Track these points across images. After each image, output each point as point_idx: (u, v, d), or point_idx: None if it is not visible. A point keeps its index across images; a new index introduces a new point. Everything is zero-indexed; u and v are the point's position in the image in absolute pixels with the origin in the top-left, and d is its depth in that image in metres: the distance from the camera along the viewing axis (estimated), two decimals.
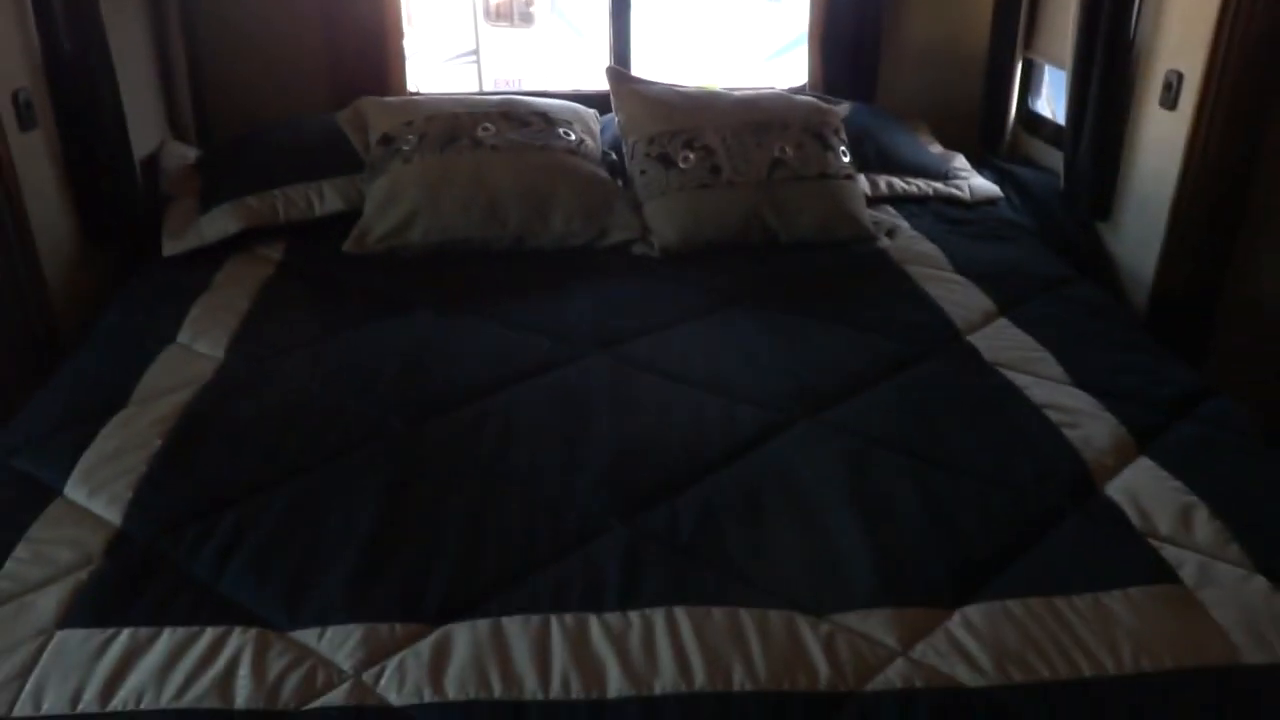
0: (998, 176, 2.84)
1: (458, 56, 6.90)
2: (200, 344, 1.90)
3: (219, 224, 2.33)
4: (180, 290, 2.12)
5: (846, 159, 2.47)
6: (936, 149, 2.89)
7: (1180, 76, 2.23)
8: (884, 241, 2.39)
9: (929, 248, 2.36)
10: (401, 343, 1.90)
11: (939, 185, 2.72)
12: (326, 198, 2.42)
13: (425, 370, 1.79)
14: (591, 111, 2.67)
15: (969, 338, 1.93)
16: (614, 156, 2.56)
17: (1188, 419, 1.66)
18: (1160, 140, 2.32)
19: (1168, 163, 2.27)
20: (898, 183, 2.69)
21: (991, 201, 2.69)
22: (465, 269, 2.23)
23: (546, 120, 2.48)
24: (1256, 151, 2.18)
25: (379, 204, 2.30)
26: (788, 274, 2.22)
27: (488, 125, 2.42)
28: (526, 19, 7.10)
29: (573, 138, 2.47)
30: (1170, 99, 2.27)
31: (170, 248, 2.29)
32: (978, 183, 2.75)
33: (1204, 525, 1.38)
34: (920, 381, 1.78)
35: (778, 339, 1.91)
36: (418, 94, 3.01)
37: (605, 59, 3.12)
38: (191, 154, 2.76)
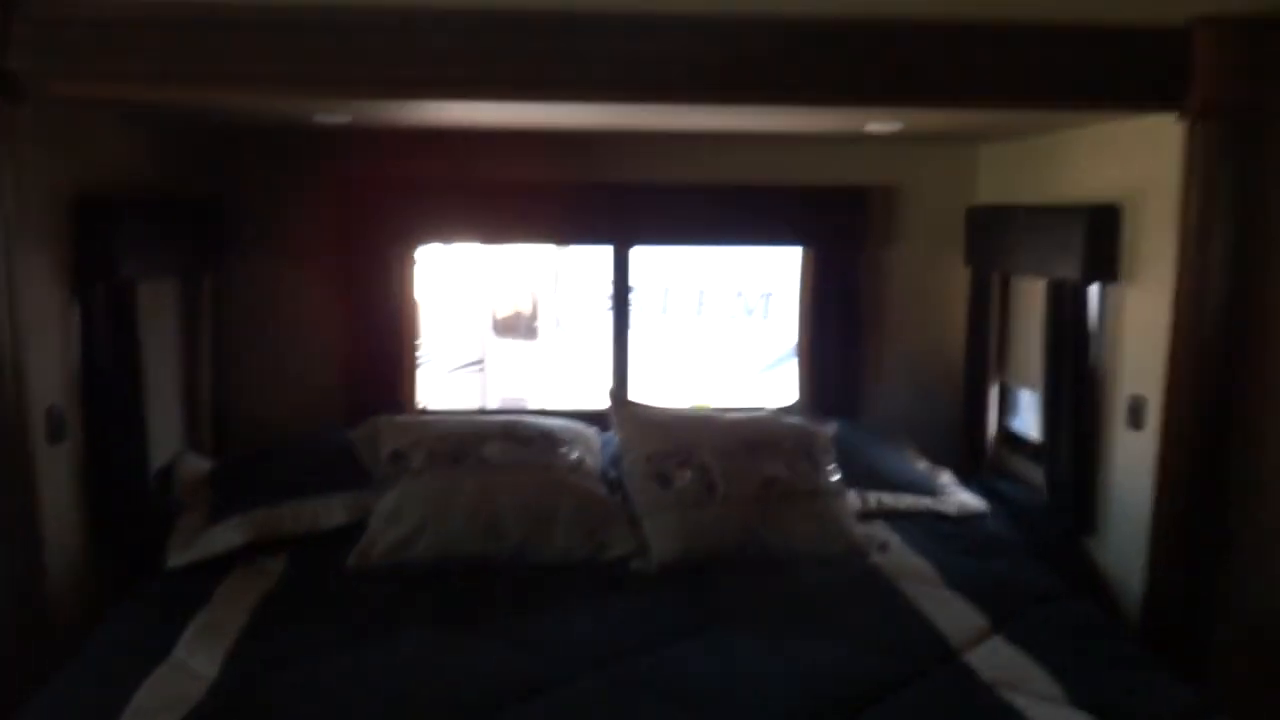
0: (983, 491, 2.94)
1: (465, 365, 7.29)
2: (195, 660, 1.90)
3: (226, 537, 2.39)
4: (180, 602, 2.14)
5: (836, 476, 2.58)
6: (922, 465, 3.01)
7: (1144, 400, 2.39)
8: (876, 557, 2.44)
9: (920, 562, 2.41)
10: (398, 662, 1.90)
11: (927, 500, 2.81)
12: (333, 512, 2.50)
13: (419, 695, 1.78)
14: (592, 430, 2.82)
15: (964, 657, 1.94)
16: (613, 474, 2.67)
17: None
18: (1132, 458, 2.44)
19: (1141, 479, 2.38)
20: (887, 498, 2.78)
21: (979, 516, 2.77)
22: (466, 585, 2.26)
23: (548, 439, 2.63)
24: (1223, 461, 2.28)
25: (386, 518, 2.38)
26: (783, 590, 2.25)
27: (493, 444, 2.55)
28: (531, 333, 7.55)
29: (573, 456, 2.60)
30: (1136, 420, 2.42)
31: (175, 559, 2.34)
32: (964, 497, 2.85)
33: None
34: (919, 703, 1.77)
35: (776, 658, 1.92)
36: (428, 413, 3.19)
37: (607, 373, 3.33)
38: (206, 465, 2.87)
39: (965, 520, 2.74)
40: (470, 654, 1.93)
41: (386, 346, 3.14)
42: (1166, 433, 2.29)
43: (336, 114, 2.61)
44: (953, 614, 2.12)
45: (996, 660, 1.92)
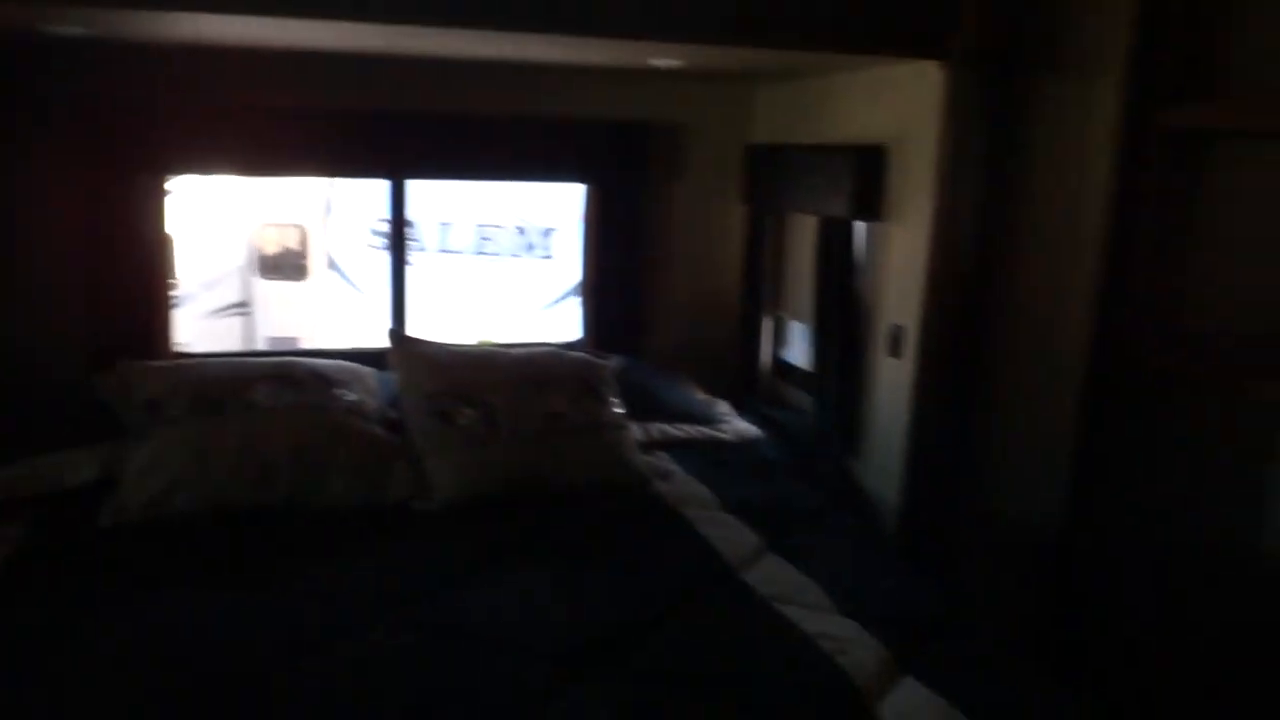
0: (758, 419, 3.08)
1: (227, 308, 6.83)
2: None
3: None
4: None
5: (619, 410, 2.61)
6: (701, 396, 3.11)
7: (903, 329, 2.57)
8: (658, 486, 2.50)
9: (700, 489, 2.50)
10: (165, 624, 1.76)
11: (706, 429, 2.90)
12: (80, 468, 2.28)
13: (193, 658, 1.66)
14: (369, 370, 2.71)
15: (742, 575, 2.03)
16: (394, 414, 2.58)
17: (942, 637, 1.80)
18: (892, 384, 2.63)
19: (899, 403, 2.57)
20: (668, 429, 2.85)
21: (754, 442, 2.90)
22: (237, 537, 2.13)
23: (322, 381, 2.50)
24: (971, 384, 2.50)
25: (141, 470, 2.19)
26: (569, 523, 2.27)
27: (260, 388, 2.40)
28: (300, 272, 7.15)
29: (350, 398, 2.49)
30: (896, 349, 2.59)
31: None
32: (741, 425, 2.97)
33: None
34: (699, 621, 1.83)
35: (564, 590, 1.93)
36: (187, 356, 2.96)
37: (384, 313, 3.21)
38: None
39: (742, 447, 2.86)
40: (247, 610, 1.82)
41: (135, 285, 2.86)
42: (922, 360, 2.47)
43: (67, 25, 2.32)
44: (731, 536, 2.22)
45: (772, 576, 2.03)
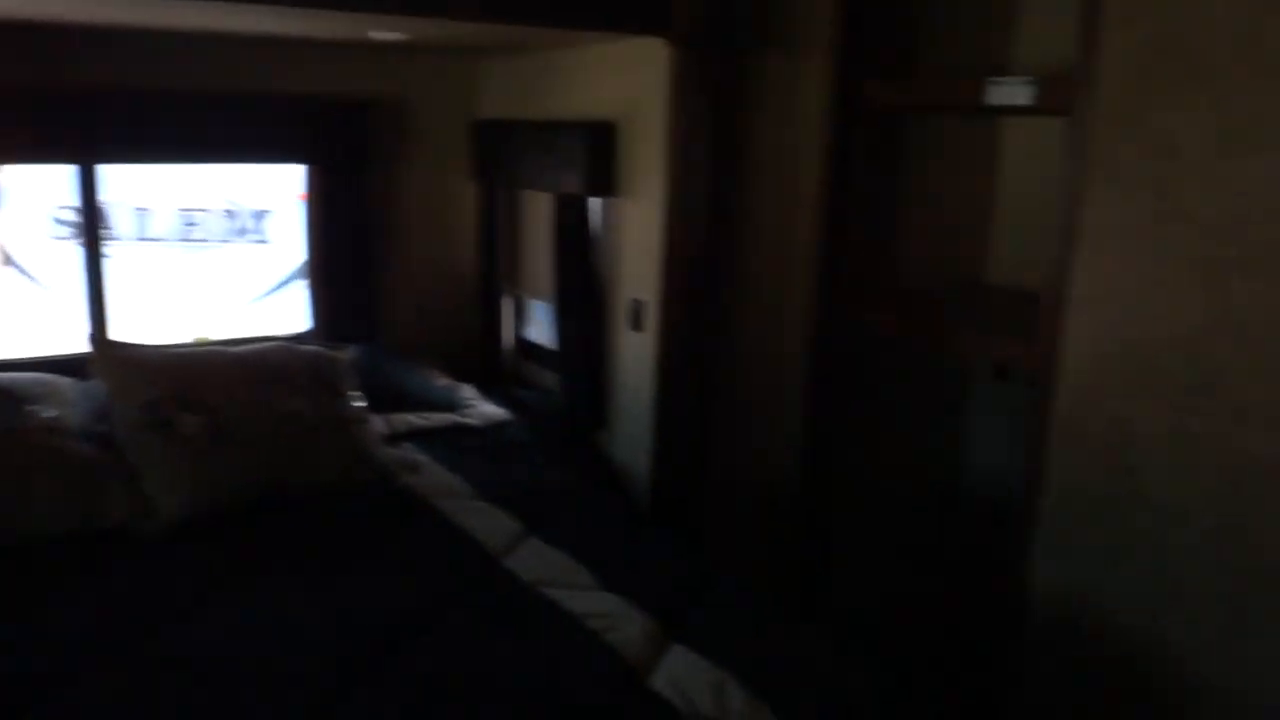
0: (505, 401, 3.04)
1: None
2: None
3: None
4: None
5: (360, 403, 2.49)
6: (444, 382, 3.03)
7: (643, 304, 2.62)
8: (408, 479, 2.41)
9: (452, 478, 2.43)
10: None
11: (452, 416, 2.83)
12: None
13: None
14: (67, 380, 2.41)
15: (505, 562, 2.00)
16: (103, 428, 2.31)
17: (705, 603, 1.87)
18: (636, 357, 2.68)
19: (644, 376, 2.62)
20: (413, 418, 2.76)
21: (502, 425, 2.86)
22: None
23: (9, 398, 2.19)
24: (711, 352, 2.60)
25: None
26: (316, 529, 2.14)
27: None
28: None
29: (47, 414, 2.20)
30: (637, 322, 2.64)
31: None
32: (488, 409, 2.92)
33: (737, 697, 1.55)
34: (466, 616, 1.79)
35: (316, 606, 1.81)
36: None
37: (80, 314, 2.85)
38: None
39: (490, 431, 2.82)
40: None
41: None
42: (663, 333, 2.54)
43: None
44: (489, 524, 2.17)
45: (534, 560, 2.01)
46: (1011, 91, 2.21)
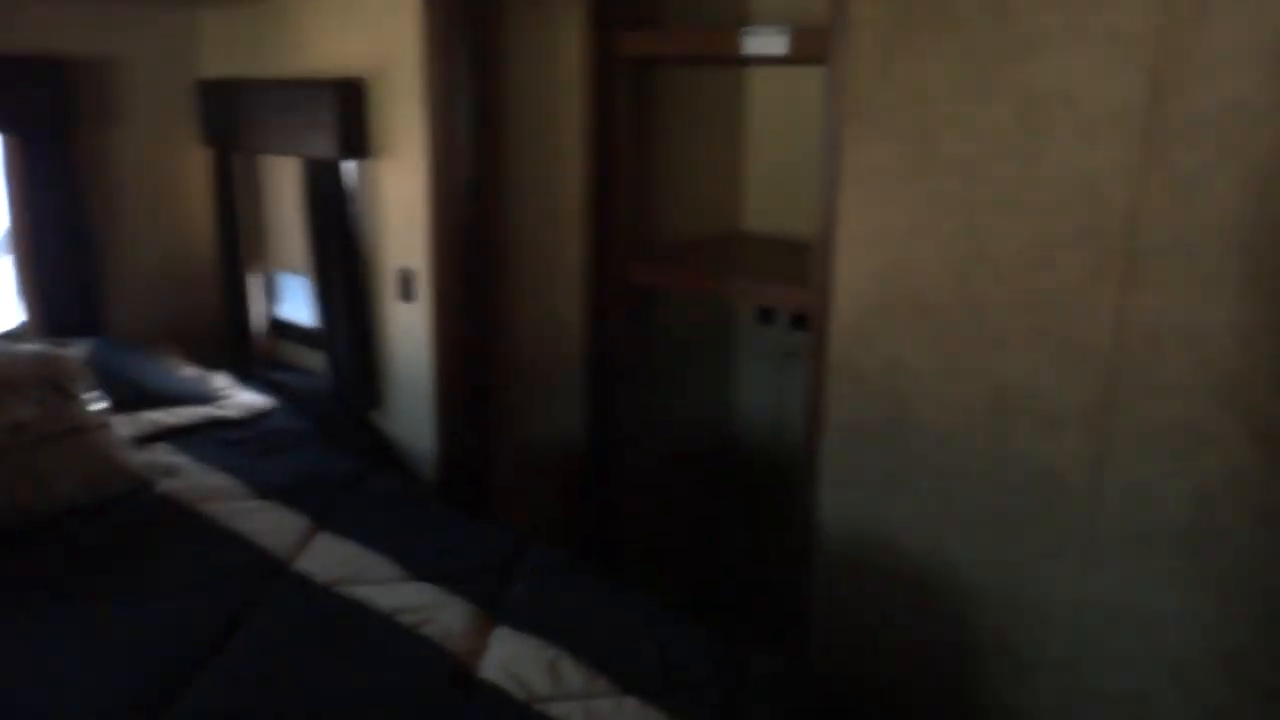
0: (266, 387, 2.80)
1: None
2: None
3: None
4: None
5: (99, 405, 2.20)
6: (193, 372, 2.74)
7: (412, 273, 2.47)
8: (167, 485, 2.16)
9: (219, 479, 2.21)
10: None
11: (207, 409, 2.57)
12: None
13: None
14: None
15: (296, 565, 1.84)
16: None
17: (519, 576, 1.80)
18: (408, 329, 2.53)
19: (418, 349, 2.49)
20: (161, 416, 2.47)
21: (266, 414, 2.63)
22: None
23: None
24: (489, 317, 2.50)
25: None
26: (68, 555, 1.87)
27: None
28: None
29: None
30: (407, 293, 2.50)
31: None
32: (247, 398, 2.68)
33: (573, 672, 1.51)
34: (262, 635, 1.62)
35: (80, 641, 1.58)
36: None
37: None
38: None
39: (254, 422, 2.58)
40: None
41: None
42: (438, 303, 2.41)
43: None
44: (270, 525, 1.99)
45: (329, 558, 1.86)
46: (767, 41, 2.26)
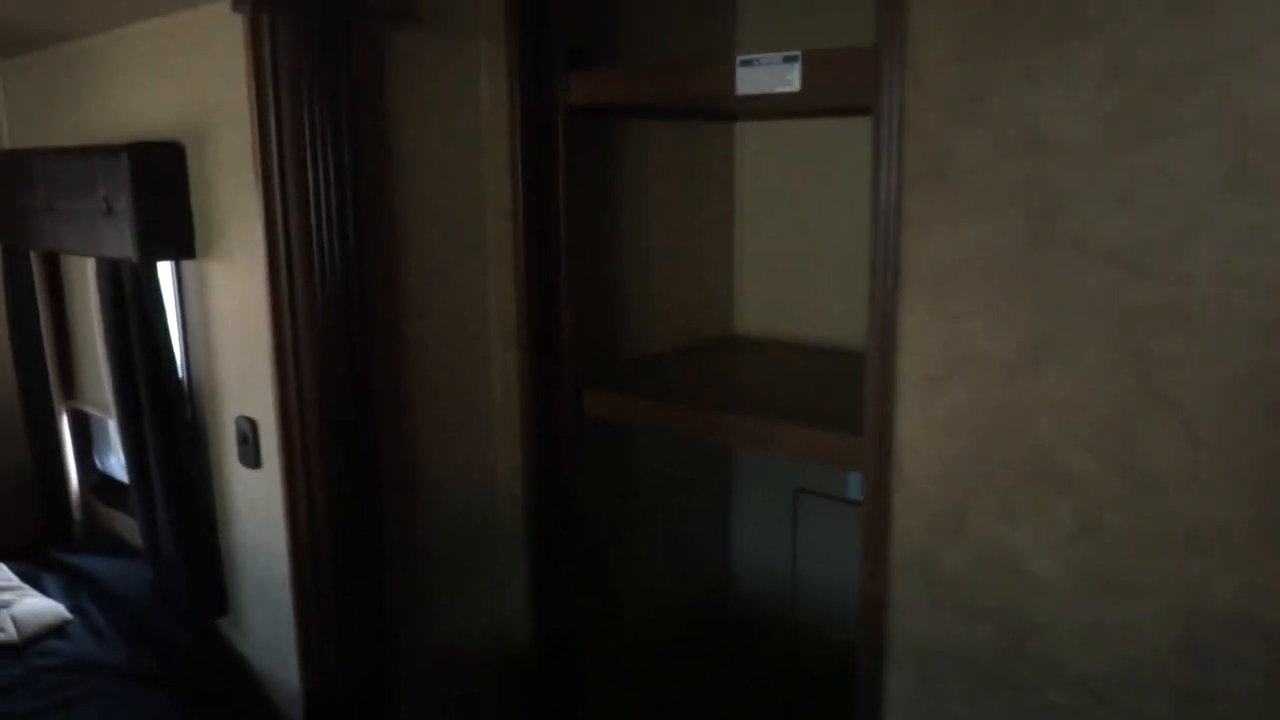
0: (67, 580, 1.97)
1: None
2: None
3: None
4: None
5: None
6: None
7: (254, 424, 1.67)
8: None
9: None
10: None
11: None
12: None
13: None
14: None
15: None
16: None
17: None
18: (256, 505, 1.72)
19: (273, 532, 1.68)
20: None
21: (58, 631, 1.80)
22: None
23: None
24: (368, 492, 1.69)
25: None
26: None
27: None
28: None
29: None
30: (250, 455, 1.69)
31: None
32: (32, 606, 1.84)
33: None
34: None
35: None
36: None
37: None
38: None
39: (40, 646, 1.75)
40: None
41: None
42: (289, 467, 1.60)
43: None
44: None
45: None
46: (773, 73, 1.52)
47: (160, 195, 1.64)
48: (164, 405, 1.74)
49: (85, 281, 2.08)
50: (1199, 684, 1.16)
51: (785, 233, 2.13)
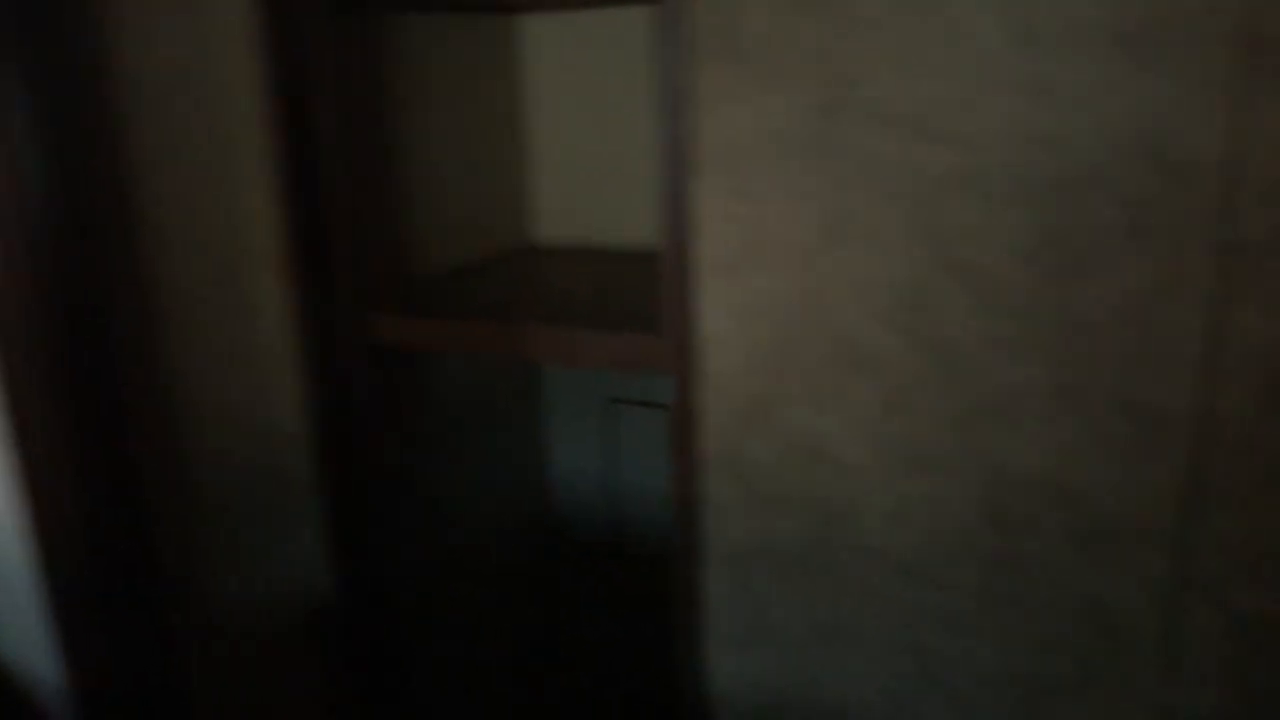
0: None
1: None
2: None
3: None
4: None
5: None
6: None
7: None
8: None
9: None
10: None
11: None
12: None
13: None
14: None
15: None
16: None
17: None
18: None
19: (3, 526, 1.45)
20: None
21: None
22: None
23: None
24: (133, 444, 1.48)
25: None
26: None
27: None
28: None
29: None
30: None
31: None
32: None
33: None
34: None
35: None
36: None
37: None
38: None
39: None
40: None
41: None
42: (18, 432, 1.38)
43: None
44: None
45: None
46: None
47: None
48: None
49: None
50: (1004, 550, 1.17)
51: (581, 134, 2.02)
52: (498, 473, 2.14)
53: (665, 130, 1.22)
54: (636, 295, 1.63)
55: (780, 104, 1.13)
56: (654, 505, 2.12)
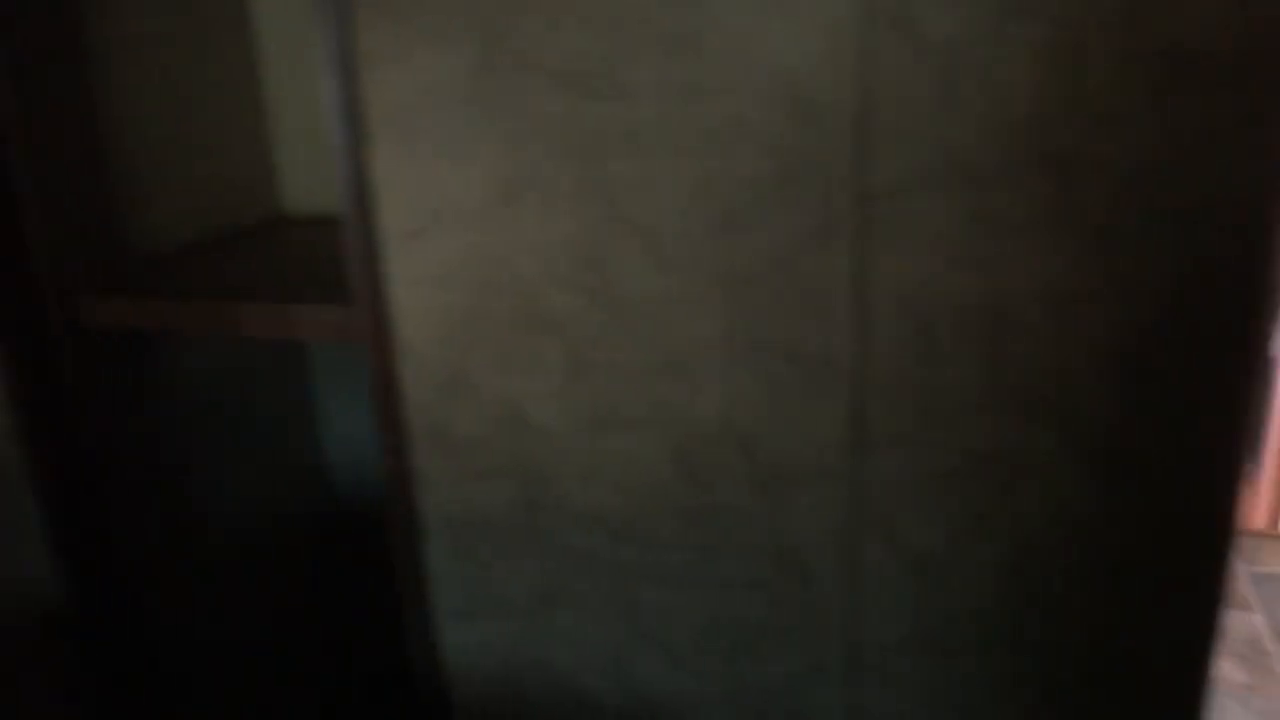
0: None
1: None
2: None
3: None
4: None
5: None
6: None
7: None
8: None
9: None
10: None
11: None
12: None
13: None
14: None
15: None
16: None
17: None
18: None
19: None
20: None
21: None
22: None
23: None
24: None
25: None
26: None
27: None
28: None
29: None
30: None
31: None
32: None
33: None
34: None
35: None
36: None
37: None
38: None
39: None
40: None
41: None
42: None
43: None
44: None
45: None
46: None
47: None
48: None
49: None
50: (699, 501, 1.18)
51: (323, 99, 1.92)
52: (263, 453, 2.04)
53: (333, 93, 1.16)
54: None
55: (437, 61, 1.09)
56: None
